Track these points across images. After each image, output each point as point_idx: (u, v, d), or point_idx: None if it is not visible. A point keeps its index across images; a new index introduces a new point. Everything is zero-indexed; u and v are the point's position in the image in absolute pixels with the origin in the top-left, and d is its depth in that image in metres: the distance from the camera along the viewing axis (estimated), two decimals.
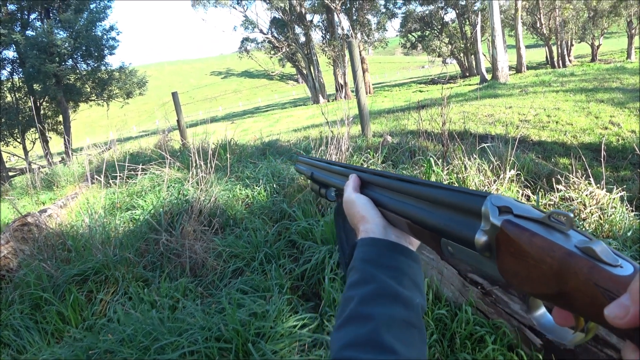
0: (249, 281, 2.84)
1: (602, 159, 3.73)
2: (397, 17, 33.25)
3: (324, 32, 32.75)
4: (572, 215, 0.43)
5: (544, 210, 0.46)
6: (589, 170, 3.54)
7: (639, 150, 3.74)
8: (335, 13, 30.58)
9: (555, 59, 29.50)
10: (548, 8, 29.15)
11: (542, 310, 0.52)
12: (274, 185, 4.38)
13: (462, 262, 0.59)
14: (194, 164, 4.05)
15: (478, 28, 26.85)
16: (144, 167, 4.85)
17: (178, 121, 9.02)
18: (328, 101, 29.41)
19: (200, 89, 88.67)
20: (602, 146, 3.77)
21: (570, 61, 30.27)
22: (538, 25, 29.70)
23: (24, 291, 3.08)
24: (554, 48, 30.10)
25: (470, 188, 0.66)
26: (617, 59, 29.32)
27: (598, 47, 31.59)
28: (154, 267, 3.29)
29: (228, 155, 4.43)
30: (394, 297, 0.58)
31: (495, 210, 0.48)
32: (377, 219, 0.70)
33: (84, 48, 15.93)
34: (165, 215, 3.69)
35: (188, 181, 3.96)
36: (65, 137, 12.68)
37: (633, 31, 28.74)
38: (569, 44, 31.00)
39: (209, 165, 3.93)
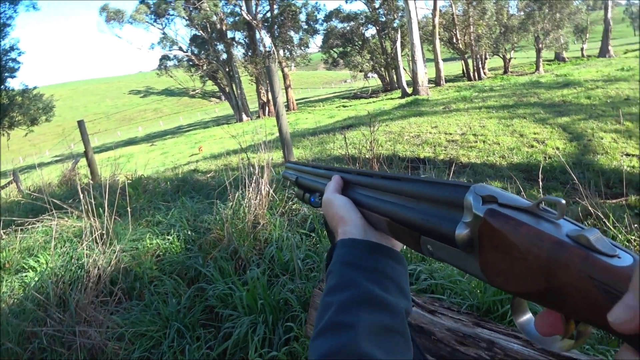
0: None
1: (539, 185, 3.57)
2: (319, 34, 33.48)
3: (245, 49, 32.33)
4: (564, 202, 0.37)
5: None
6: (523, 195, 3.35)
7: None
8: (256, 30, 30.28)
9: (472, 71, 30.92)
10: (463, 24, 30.50)
11: (528, 315, 0.46)
12: (189, 232, 3.87)
13: (443, 262, 0.51)
14: (90, 219, 3.45)
15: (398, 44, 27.65)
16: (35, 219, 4.15)
17: (86, 152, 8.22)
18: (251, 119, 28.96)
19: (118, 109, 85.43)
20: (540, 175, 3.60)
21: (485, 74, 31.78)
22: (454, 40, 30.99)
23: None
24: (470, 61, 31.56)
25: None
26: (527, 70, 31.28)
27: (510, 60, 33.54)
28: (43, 357, 2.68)
29: (128, 204, 3.83)
30: (375, 303, 0.52)
31: (479, 199, 0.43)
32: (356, 219, 0.65)
33: None
34: (54, 287, 3.06)
35: (83, 242, 3.33)
36: None
37: (540, 45, 30.72)
38: (484, 57, 32.64)
39: (106, 219, 3.34)
